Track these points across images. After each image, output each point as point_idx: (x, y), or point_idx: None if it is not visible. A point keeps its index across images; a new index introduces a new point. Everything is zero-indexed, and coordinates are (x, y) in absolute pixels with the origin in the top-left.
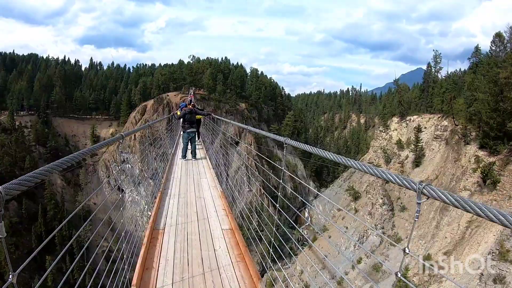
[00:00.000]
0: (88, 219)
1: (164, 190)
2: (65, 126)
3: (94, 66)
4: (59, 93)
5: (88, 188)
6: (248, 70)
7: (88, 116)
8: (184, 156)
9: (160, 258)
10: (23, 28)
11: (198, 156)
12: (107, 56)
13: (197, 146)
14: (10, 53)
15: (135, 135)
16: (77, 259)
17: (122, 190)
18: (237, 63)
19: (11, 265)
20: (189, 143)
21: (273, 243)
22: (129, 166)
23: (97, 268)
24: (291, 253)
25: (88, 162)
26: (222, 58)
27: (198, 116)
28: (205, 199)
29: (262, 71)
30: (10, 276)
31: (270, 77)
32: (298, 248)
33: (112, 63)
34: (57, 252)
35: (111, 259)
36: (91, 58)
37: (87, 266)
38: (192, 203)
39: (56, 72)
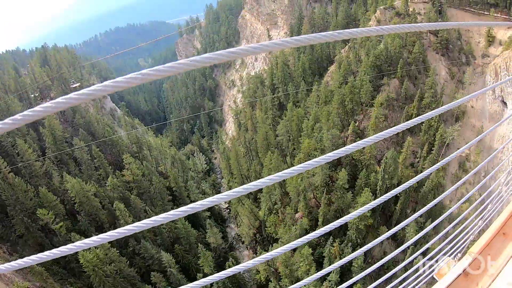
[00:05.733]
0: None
1: None
2: (459, 18)
3: None
4: None
5: (471, 89)
6: None
7: (485, 12)
8: None
9: None
10: None
11: None
12: None
13: None
14: None
15: None
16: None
17: (505, 103)
18: None
19: None
20: None
21: None
22: None
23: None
24: None
25: (477, 62)
26: None
27: None
28: None
29: None
30: None
31: None
32: None
33: None
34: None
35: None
36: None
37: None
38: None
39: None
